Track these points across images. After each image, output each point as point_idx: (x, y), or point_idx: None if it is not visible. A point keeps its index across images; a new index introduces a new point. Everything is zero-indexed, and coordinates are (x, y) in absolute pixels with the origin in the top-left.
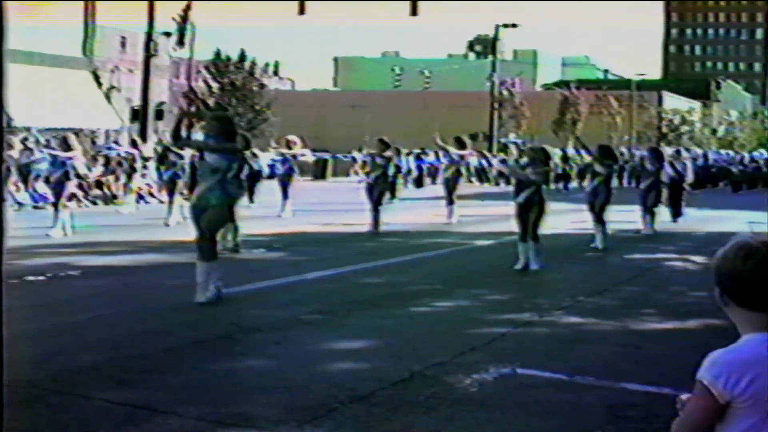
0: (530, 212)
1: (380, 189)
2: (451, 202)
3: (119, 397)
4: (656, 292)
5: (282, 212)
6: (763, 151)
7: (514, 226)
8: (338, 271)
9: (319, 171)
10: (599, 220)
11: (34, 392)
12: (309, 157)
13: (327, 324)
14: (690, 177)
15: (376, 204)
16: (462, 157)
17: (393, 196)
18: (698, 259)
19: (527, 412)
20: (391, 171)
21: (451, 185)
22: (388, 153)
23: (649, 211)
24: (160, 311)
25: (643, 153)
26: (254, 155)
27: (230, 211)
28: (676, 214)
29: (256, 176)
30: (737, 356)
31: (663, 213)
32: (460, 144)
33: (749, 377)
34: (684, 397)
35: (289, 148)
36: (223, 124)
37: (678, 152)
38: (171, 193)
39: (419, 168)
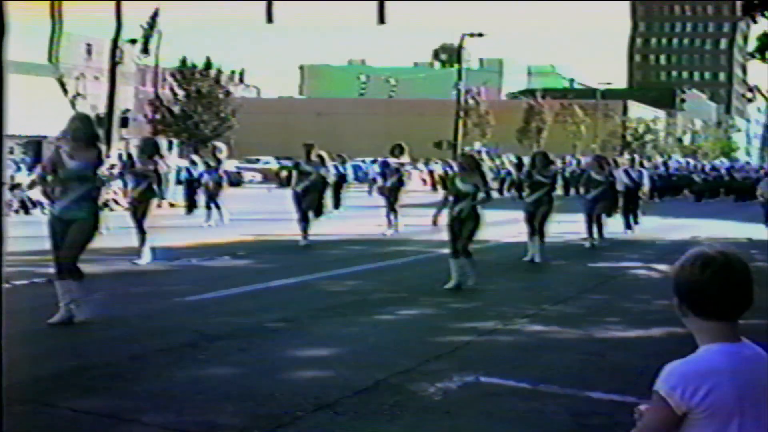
0: (463, 225)
1: (311, 198)
2: (392, 212)
3: (84, 405)
4: (620, 300)
5: (208, 221)
6: (724, 159)
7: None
8: (303, 279)
9: (284, 179)
10: (540, 232)
11: None
12: (330, 176)
13: (292, 332)
14: (646, 185)
15: (304, 214)
16: (402, 164)
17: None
18: (662, 267)
19: (491, 421)
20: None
21: (392, 195)
22: (314, 159)
23: (596, 222)
24: (124, 319)
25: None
26: (193, 162)
27: (96, 225)
28: (629, 224)
29: (196, 183)
30: (694, 367)
31: (615, 223)
32: (400, 150)
33: (706, 388)
34: (642, 407)
35: (215, 155)
36: (88, 126)
37: (633, 159)
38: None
39: (383, 176)
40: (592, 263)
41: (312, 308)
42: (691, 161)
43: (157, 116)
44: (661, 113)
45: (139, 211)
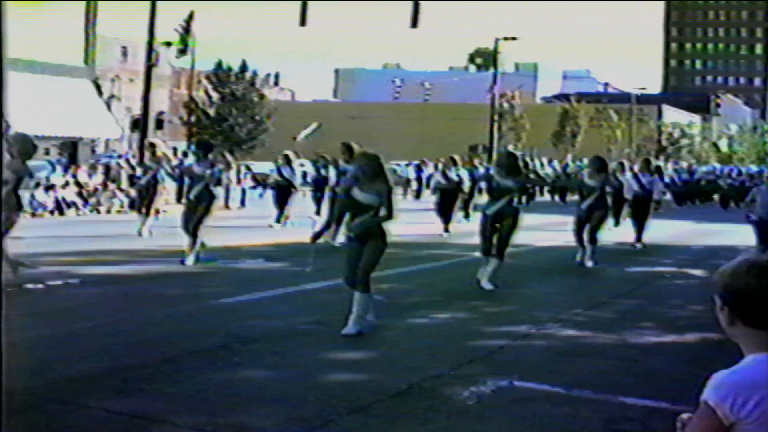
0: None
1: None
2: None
3: (116, 406)
4: (654, 305)
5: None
6: (752, 165)
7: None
8: (336, 282)
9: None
10: (592, 237)
11: (31, 400)
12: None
13: (325, 335)
14: (656, 195)
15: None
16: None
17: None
18: (697, 272)
19: (524, 425)
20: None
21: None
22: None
23: (590, 238)
24: (158, 320)
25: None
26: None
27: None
28: (639, 237)
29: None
30: (743, 378)
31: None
32: (350, 152)
33: (756, 399)
34: (685, 416)
35: (153, 153)
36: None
37: (647, 162)
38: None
39: (418, 179)
40: (627, 268)
41: (345, 311)
42: (717, 165)
43: (192, 119)
44: (696, 118)
45: (196, 212)
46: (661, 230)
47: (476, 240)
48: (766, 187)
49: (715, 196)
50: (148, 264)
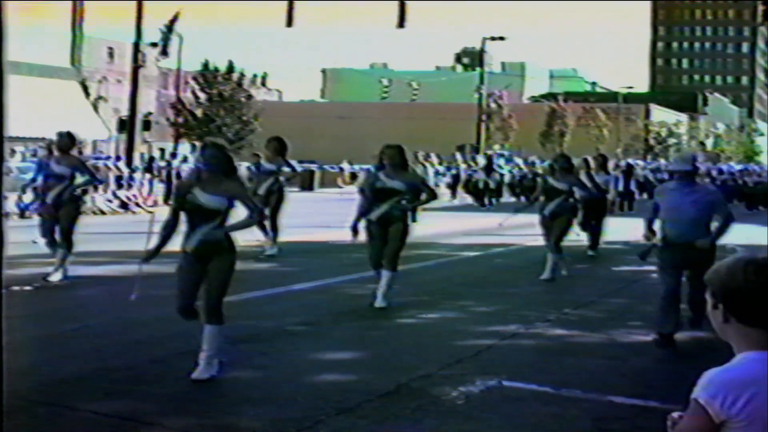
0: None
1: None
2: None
3: (105, 408)
4: (643, 304)
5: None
6: (732, 163)
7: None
8: (325, 282)
9: (306, 182)
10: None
11: (19, 403)
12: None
13: (313, 335)
14: (611, 194)
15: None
16: (279, 169)
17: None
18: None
19: (513, 425)
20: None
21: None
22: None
23: (553, 246)
24: (146, 322)
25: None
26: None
27: None
28: (594, 243)
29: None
30: (735, 375)
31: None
32: (281, 149)
33: (746, 397)
34: (675, 415)
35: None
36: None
37: (602, 159)
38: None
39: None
40: (615, 267)
41: (334, 312)
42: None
43: (180, 119)
44: (683, 117)
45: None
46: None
47: (463, 240)
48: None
49: None
50: (136, 264)
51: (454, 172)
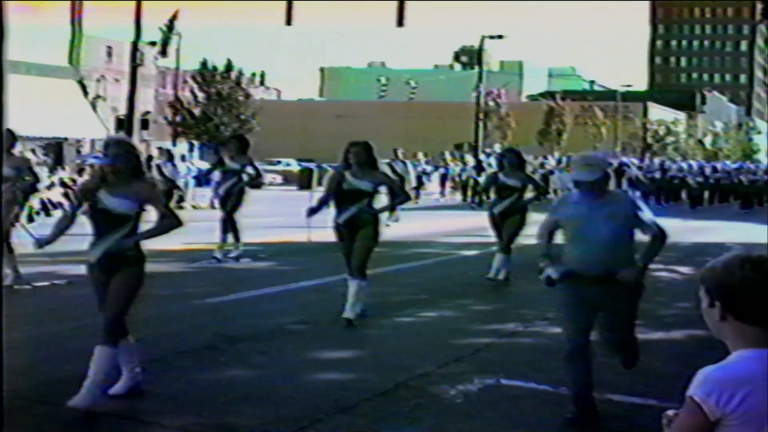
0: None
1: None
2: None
3: (103, 407)
4: (641, 302)
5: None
6: (727, 161)
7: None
8: (323, 281)
9: (305, 180)
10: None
11: (17, 402)
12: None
13: (312, 334)
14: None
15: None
16: (243, 167)
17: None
18: (683, 269)
19: (512, 423)
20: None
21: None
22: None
23: (503, 247)
24: (144, 320)
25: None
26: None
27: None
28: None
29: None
30: (729, 373)
31: None
32: (244, 147)
33: (741, 395)
34: (671, 413)
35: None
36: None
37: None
38: None
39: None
40: None
41: (332, 310)
42: (693, 162)
43: (178, 118)
44: (681, 115)
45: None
46: None
47: (462, 239)
48: None
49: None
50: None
51: (442, 171)
